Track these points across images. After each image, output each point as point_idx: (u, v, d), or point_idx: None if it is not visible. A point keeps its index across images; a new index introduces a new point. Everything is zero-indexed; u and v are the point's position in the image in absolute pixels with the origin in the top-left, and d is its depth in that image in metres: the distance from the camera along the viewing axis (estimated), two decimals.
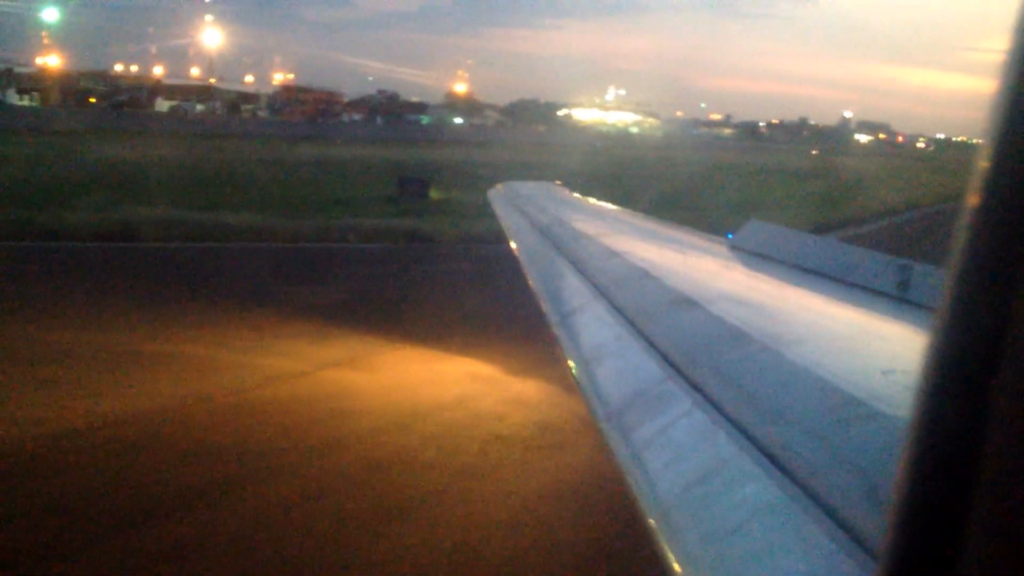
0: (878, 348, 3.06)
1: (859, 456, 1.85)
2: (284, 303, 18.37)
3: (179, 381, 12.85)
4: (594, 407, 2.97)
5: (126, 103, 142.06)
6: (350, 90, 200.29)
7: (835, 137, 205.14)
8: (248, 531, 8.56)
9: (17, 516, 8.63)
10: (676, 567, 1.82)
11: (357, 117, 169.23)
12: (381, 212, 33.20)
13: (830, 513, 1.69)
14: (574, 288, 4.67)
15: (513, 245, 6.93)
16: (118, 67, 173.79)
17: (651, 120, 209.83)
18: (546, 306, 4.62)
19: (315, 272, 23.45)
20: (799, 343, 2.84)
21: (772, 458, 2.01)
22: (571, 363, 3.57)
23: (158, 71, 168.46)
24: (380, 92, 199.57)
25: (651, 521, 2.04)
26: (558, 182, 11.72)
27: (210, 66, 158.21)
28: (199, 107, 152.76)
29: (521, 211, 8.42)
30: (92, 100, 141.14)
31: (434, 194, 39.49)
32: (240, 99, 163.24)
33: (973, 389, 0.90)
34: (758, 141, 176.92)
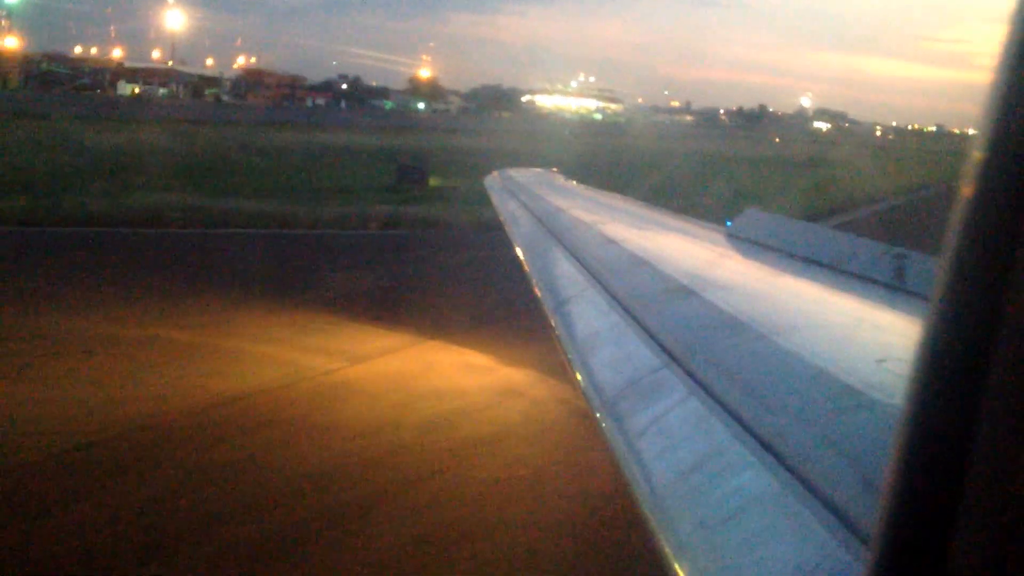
0: (873, 337, 3.05)
1: (853, 444, 1.86)
2: (337, 289, 18.94)
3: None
4: (589, 396, 2.97)
5: (88, 86, 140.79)
6: (311, 74, 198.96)
7: (794, 125, 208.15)
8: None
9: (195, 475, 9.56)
10: (670, 555, 1.84)
11: (321, 101, 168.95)
12: (387, 199, 33.54)
13: (824, 501, 1.70)
14: (570, 276, 4.68)
15: (509, 232, 6.95)
16: (77, 49, 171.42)
17: (614, 107, 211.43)
18: (542, 294, 4.65)
19: (350, 258, 24.09)
20: (794, 331, 2.85)
21: (767, 446, 2.01)
22: (566, 351, 3.59)
23: (117, 53, 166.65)
24: (341, 76, 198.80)
25: (645, 509, 2.05)
26: (554, 169, 11.66)
27: (172, 49, 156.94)
28: (161, 91, 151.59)
29: (517, 198, 8.33)
30: (56, 83, 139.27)
31: (432, 182, 39.88)
32: (203, 83, 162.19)
33: (965, 379, 0.91)
34: (718, 128, 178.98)
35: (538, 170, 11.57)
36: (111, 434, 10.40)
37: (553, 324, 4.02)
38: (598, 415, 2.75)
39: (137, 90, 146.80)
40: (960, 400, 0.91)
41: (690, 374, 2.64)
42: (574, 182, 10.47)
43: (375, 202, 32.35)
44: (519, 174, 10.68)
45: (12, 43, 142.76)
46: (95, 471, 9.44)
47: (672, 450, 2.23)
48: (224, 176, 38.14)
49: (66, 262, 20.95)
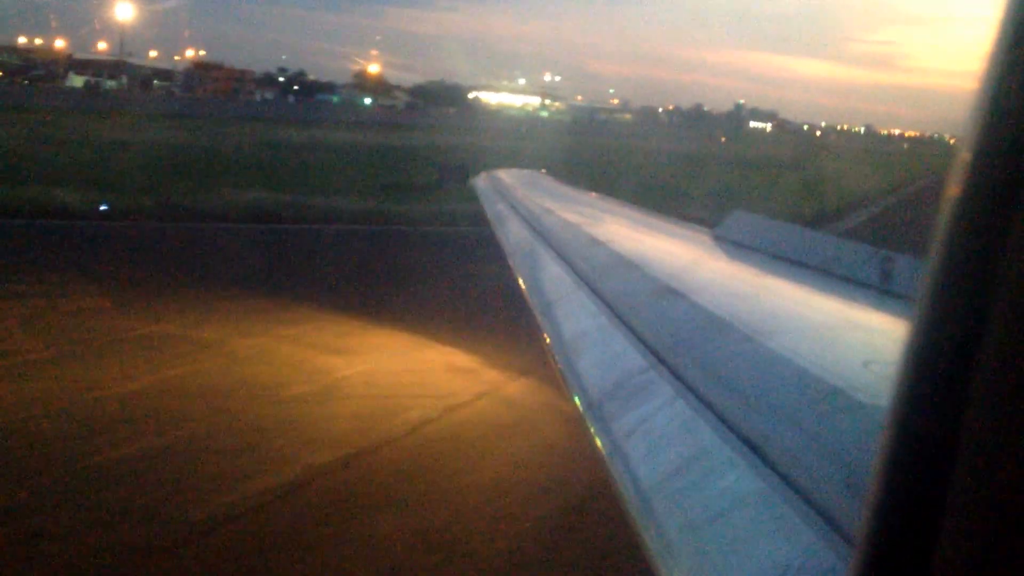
0: (860, 339, 3.06)
1: (839, 446, 1.87)
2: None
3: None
4: (576, 396, 2.99)
5: (42, 77, 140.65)
6: (252, 67, 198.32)
7: (731, 124, 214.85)
8: None
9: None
10: (656, 556, 1.85)
11: (269, 95, 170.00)
12: (446, 197, 33.46)
13: (810, 502, 1.71)
14: (557, 277, 4.71)
15: (497, 234, 6.98)
16: (21, 40, 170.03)
17: (556, 104, 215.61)
18: (530, 296, 4.68)
19: (461, 253, 23.07)
20: (781, 333, 2.86)
21: (753, 447, 2.03)
22: (553, 352, 3.61)
23: (60, 44, 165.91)
24: (280, 70, 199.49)
25: (631, 510, 2.07)
26: (543, 170, 11.73)
27: (121, 41, 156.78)
28: (110, 82, 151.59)
29: (505, 200, 8.37)
30: (9, 73, 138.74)
31: (471, 180, 40.29)
32: (153, 75, 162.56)
33: (951, 380, 0.92)
34: (660, 127, 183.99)
35: (527, 171, 11.55)
36: None
37: (540, 326, 4.05)
38: (585, 417, 2.77)
39: (80, 82, 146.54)
40: (945, 401, 0.91)
41: (677, 376, 2.66)
42: (562, 184, 10.48)
43: (434, 200, 32.91)
44: (508, 175, 10.69)
45: None
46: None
47: (658, 451, 2.26)
48: (281, 172, 39.14)
49: (260, 257, 22.31)
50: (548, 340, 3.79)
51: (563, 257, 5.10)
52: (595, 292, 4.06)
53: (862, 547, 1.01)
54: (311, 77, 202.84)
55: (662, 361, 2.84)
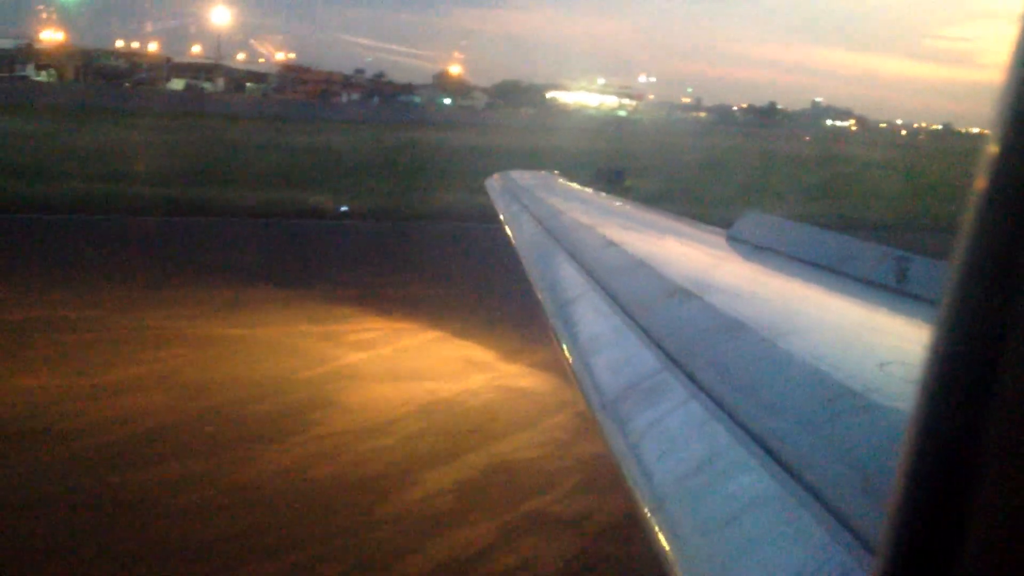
0: (875, 340, 3.06)
1: (855, 448, 1.87)
2: None
3: None
4: (589, 397, 3.00)
5: (144, 81, 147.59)
6: (330, 67, 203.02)
7: (808, 122, 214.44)
8: None
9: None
10: (670, 557, 1.85)
11: (355, 97, 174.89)
12: (619, 197, 35.27)
13: (825, 505, 1.71)
14: (570, 278, 4.70)
15: (510, 235, 7.02)
16: (119, 43, 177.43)
17: (633, 104, 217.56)
18: (542, 297, 4.70)
19: None
20: (796, 334, 2.86)
21: (767, 449, 2.03)
22: (567, 353, 3.63)
23: (153, 47, 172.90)
24: (358, 71, 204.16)
25: (645, 511, 2.07)
26: (556, 172, 11.75)
27: (218, 45, 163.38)
28: (207, 85, 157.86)
29: (519, 201, 8.40)
30: (114, 77, 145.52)
31: (628, 183, 40.65)
32: (247, 78, 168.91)
33: (976, 383, 0.90)
34: (736, 125, 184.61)
35: (540, 172, 11.62)
36: None
37: (553, 326, 4.07)
38: (598, 417, 2.78)
39: (181, 85, 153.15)
40: (970, 405, 0.90)
41: (690, 376, 2.66)
42: (574, 185, 10.48)
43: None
44: (520, 176, 10.73)
45: (56, 36, 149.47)
46: None
47: (672, 453, 2.26)
48: (432, 173, 40.32)
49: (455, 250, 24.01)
50: (560, 341, 3.81)
51: (576, 258, 5.08)
52: (608, 293, 4.05)
53: (884, 554, 0.99)
54: (390, 79, 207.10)
55: (675, 362, 2.83)
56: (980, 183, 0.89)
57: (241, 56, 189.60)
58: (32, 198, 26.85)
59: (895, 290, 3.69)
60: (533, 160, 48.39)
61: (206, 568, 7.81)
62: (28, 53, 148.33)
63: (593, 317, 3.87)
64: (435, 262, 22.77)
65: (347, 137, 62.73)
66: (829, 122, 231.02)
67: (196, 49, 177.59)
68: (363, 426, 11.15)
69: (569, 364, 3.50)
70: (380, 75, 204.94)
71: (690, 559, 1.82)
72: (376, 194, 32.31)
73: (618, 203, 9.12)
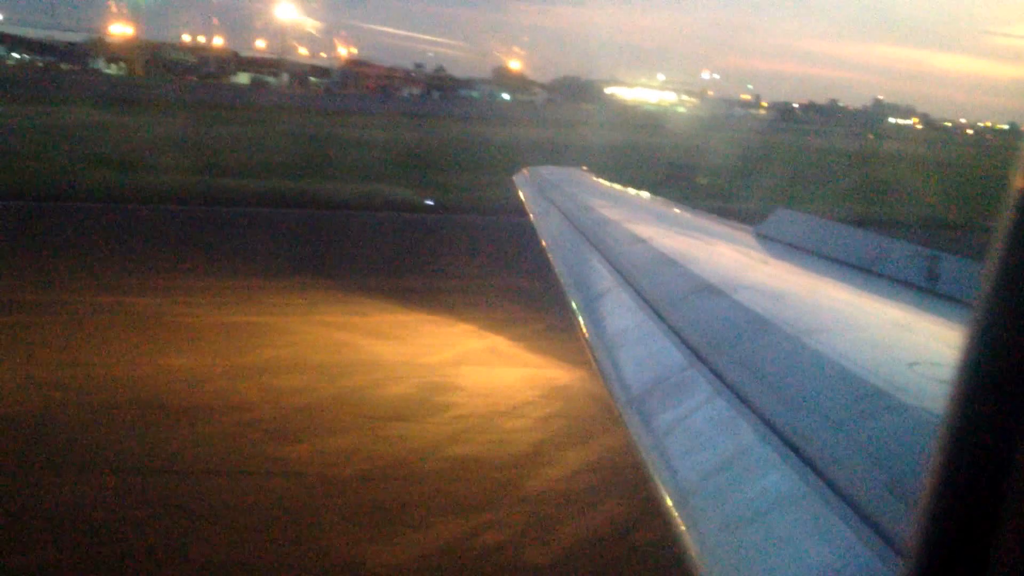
0: (904, 340, 3.03)
1: (882, 448, 1.87)
2: None
3: None
4: (615, 393, 3.01)
5: (212, 75, 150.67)
6: (389, 62, 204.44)
7: (869, 120, 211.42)
8: None
9: None
10: (696, 554, 1.86)
11: (416, 91, 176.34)
12: (693, 195, 34.19)
13: (851, 504, 1.71)
14: (598, 274, 4.72)
15: (538, 230, 6.97)
16: (184, 38, 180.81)
17: (692, 100, 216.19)
18: (570, 292, 4.68)
19: None
20: (823, 333, 2.86)
21: (794, 448, 2.03)
22: (593, 348, 3.63)
23: (218, 42, 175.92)
24: (417, 66, 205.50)
25: (670, 507, 2.07)
26: (584, 167, 11.72)
27: (283, 40, 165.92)
28: (271, 79, 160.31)
29: (547, 196, 8.39)
30: (182, 72, 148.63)
31: (701, 180, 41.10)
32: (310, 73, 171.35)
33: (1009, 385, 0.90)
34: (797, 123, 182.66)
35: (568, 168, 11.59)
36: None
37: (580, 322, 4.07)
38: (623, 412, 2.78)
39: (247, 79, 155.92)
40: (1003, 406, 0.89)
41: (717, 374, 2.66)
42: (603, 180, 10.42)
43: (687, 198, 34.45)
44: (549, 172, 10.74)
45: (124, 30, 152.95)
46: None
47: (698, 449, 2.27)
48: (500, 169, 41.22)
49: None
50: (588, 335, 3.80)
51: (603, 253, 5.08)
52: (635, 289, 4.05)
53: (912, 556, 0.99)
54: (449, 73, 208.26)
55: (702, 359, 2.83)
56: (1019, 182, 0.88)
57: (303, 51, 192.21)
58: (137, 189, 27.93)
59: (925, 289, 3.67)
60: (598, 157, 48.32)
61: (378, 531, 8.50)
62: (99, 47, 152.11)
63: (620, 313, 3.88)
64: (529, 256, 23.34)
65: (415, 132, 63.47)
66: (891, 120, 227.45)
67: (260, 44, 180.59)
68: (493, 409, 11.77)
69: (595, 359, 3.50)
70: (440, 70, 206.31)
71: (715, 555, 1.82)
72: (454, 188, 32.92)
73: (646, 199, 9.04)
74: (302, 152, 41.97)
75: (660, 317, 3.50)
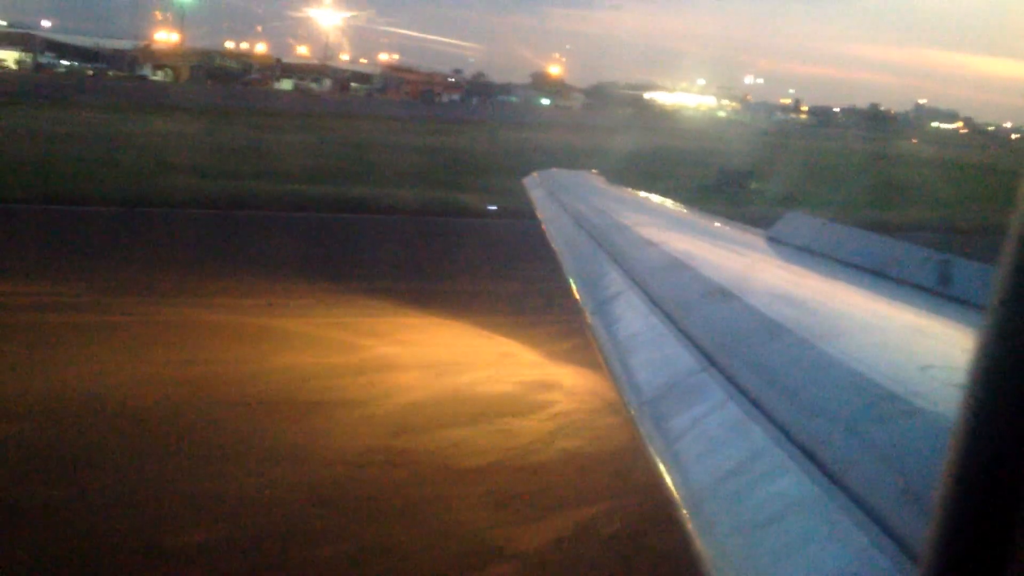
0: (917, 343, 3.02)
1: (896, 452, 1.86)
2: None
3: None
4: (627, 396, 3.01)
5: (257, 81, 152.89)
6: (431, 68, 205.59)
7: (911, 124, 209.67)
8: None
9: None
10: (708, 559, 1.86)
11: (456, 97, 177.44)
12: (733, 200, 34.28)
13: (865, 509, 1.70)
14: (609, 277, 4.70)
15: (547, 233, 7.02)
16: (228, 44, 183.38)
17: (732, 104, 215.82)
18: (580, 295, 4.71)
19: None
20: (836, 337, 2.84)
21: (807, 452, 2.03)
22: (604, 352, 3.63)
23: (260, 48, 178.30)
24: (456, 71, 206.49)
25: (683, 512, 2.07)
26: (594, 171, 11.75)
27: (324, 46, 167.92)
28: (313, 85, 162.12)
29: (557, 199, 8.40)
30: (228, 78, 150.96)
31: (753, 185, 41.58)
32: (352, 78, 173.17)
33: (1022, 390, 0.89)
34: (839, 127, 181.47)
35: (577, 172, 11.61)
36: None
37: (591, 325, 4.08)
38: (635, 417, 2.78)
39: (289, 85, 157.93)
40: (1017, 410, 0.89)
41: (729, 378, 2.66)
42: (614, 184, 10.51)
43: (734, 203, 33.22)
44: (559, 174, 10.78)
45: (176, 38, 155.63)
46: None
47: (710, 454, 2.27)
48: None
49: None
50: (599, 339, 3.81)
51: (614, 257, 5.08)
52: (647, 293, 4.05)
53: (927, 562, 0.98)
54: (488, 78, 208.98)
55: (714, 363, 2.83)
56: None
57: (344, 57, 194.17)
58: (198, 193, 28.82)
59: (938, 293, 3.65)
60: (645, 163, 48.38)
61: (509, 517, 9.10)
62: (145, 53, 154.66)
63: (631, 316, 3.88)
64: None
65: (460, 137, 64.25)
66: (934, 124, 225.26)
67: (302, 50, 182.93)
68: (591, 406, 12.34)
69: (606, 362, 3.50)
70: (479, 75, 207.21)
71: (728, 560, 1.82)
72: (511, 193, 33.31)
73: (656, 202, 8.99)
74: (359, 158, 42.93)
75: (671, 320, 3.50)
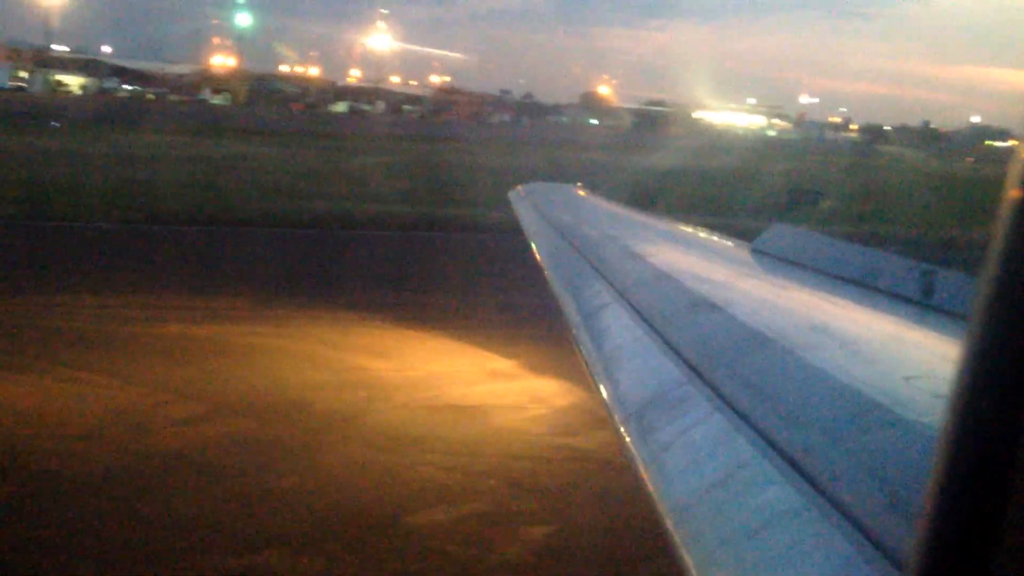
0: (901, 353, 3.04)
1: (880, 462, 1.86)
2: None
3: None
4: (612, 409, 3.01)
5: (313, 104, 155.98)
6: (478, 88, 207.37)
7: (965, 142, 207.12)
8: None
9: None
10: (694, 571, 1.85)
11: (506, 118, 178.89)
12: (823, 220, 34.08)
13: (850, 519, 1.71)
14: (593, 290, 4.71)
15: (533, 246, 7.01)
16: (282, 68, 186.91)
17: (782, 123, 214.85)
18: (565, 308, 4.74)
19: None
20: (820, 347, 2.85)
21: (792, 463, 2.03)
22: (589, 364, 3.64)
23: (314, 71, 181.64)
24: (504, 92, 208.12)
25: (668, 524, 2.07)
26: (579, 184, 11.74)
27: (377, 69, 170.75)
28: (367, 107, 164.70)
29: (541, 212, 8.44)
30: (285, 101, 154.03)
31: (825, 203, 41.54)
32: (405, 101, 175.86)
33: (1009, 398, 0.90)
34: (893, 146, 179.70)
35: (562, 185, 11.71)
36: None
37: (576, 338, 4.10)
38: (621, 429, 2.78)
39: (344, 108, 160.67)
40: (1001, 419, 0.89)
41: (714, 389, 2.66)
42: (597, 197, 10.60)
43: (811, 222, 32.41)
44: (543, 188, 10.87)
45: (234, 63, 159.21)
46: None
47: (696, 465, 2.27)
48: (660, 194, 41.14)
49: None
50: (584, 352, 3.82)
51: (599, 270, 5.09)
52: (631, 305, 4.05)
53: (915, 570, 0.99)
54: (536, 99, 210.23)
55: (699, 375, 2.83)
56: (1013, 193, 0.89)
57: (395, 79, 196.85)
58: (287, 215, 30.30)
59: (922, 304, 3.64)
60: (709, 182, 48.47)
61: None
62: (204, 78, 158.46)
63: (616, 329, 3.87)
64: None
65: (527, 158, 64.82)
66: (988, 143, 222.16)
67: (354, 73, 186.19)
68: None
69: (592, 375, 3.51)
70: (528, 96, 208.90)
71: (714, 572, 1.82)
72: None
73: (639, 216, 8.88)
74: (436, 178, 43.88)
75: (657, 333, 3.50)
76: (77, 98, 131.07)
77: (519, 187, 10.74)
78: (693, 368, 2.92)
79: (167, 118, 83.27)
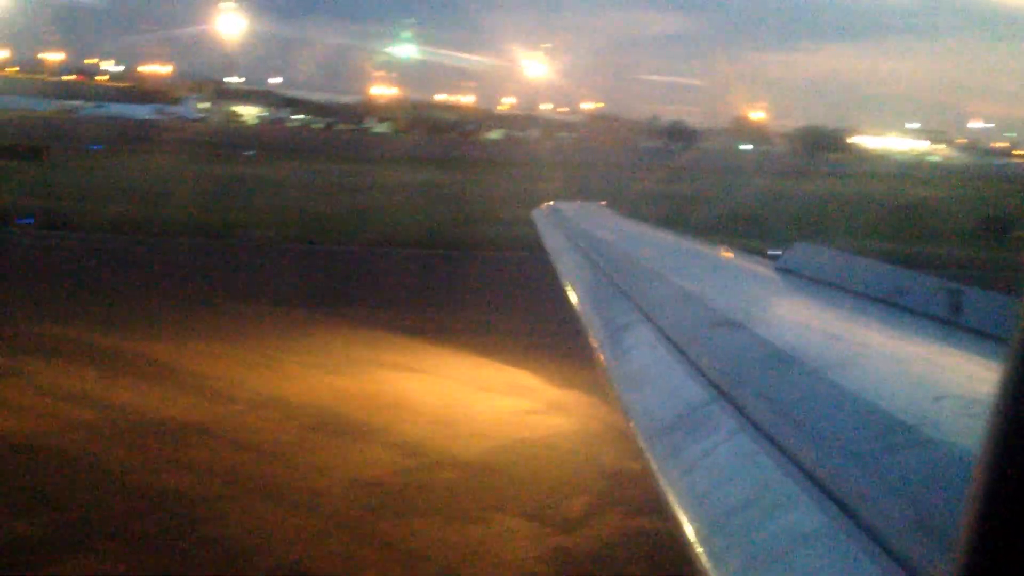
0: (928, 373, 2.96)
1: (908, 483, 1.83)
2: None
3: None
4: (637, 428, 3.00)
5: (471, 131, 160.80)
6: (627, 113, 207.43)
7: None
8: None
9: None
10: None
11: (658, 143, 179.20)
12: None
13: (878, 541, 1.68)
14: (618, 309, 4.69)
15: (556, 265, 6.98)
16: (439, 96, 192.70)
17: (945, 149, 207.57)
18: (589, 327, 4.73)
19: None
20: (846, 367, 2.83)
21: (818, 484, 2.00)
22: (613, 383, 3.62)
23: (468, 99, 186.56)
24: (654, 118, 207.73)
25: (693, 545, 2.05)
26: (603, 203, 11.72)
27: (532, 97, 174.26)
28: (521, 134, 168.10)
29: (564, 231, 8.45)
30: (445, 129, 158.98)
31: (1020, 233, 41.69)
32: (558, 127, 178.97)
33: None
34: None
35: (586, 203, 11.73)
36: None
37: (600, 358, 4.09)
38: (646, 449, 2.76)
39: (498, 135, 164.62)
40: None
41: (739, 409, 2.64)
42: (621, 216, 10.52)
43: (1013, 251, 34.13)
44: (567, 207, 10.85)
45: (395, 92, 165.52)
46: None
47: (721, 486, 2.25)
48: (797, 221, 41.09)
49: None
50: (608, 371, 3.82)
51: (622, 289, 5.09)
52: (656, 325, 4.04)
53: None
54: (685, 124, 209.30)
55: (723, 394, 2.81)
56: None
57: (547, 107, 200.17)
58: (506, 237, 31.65)
59: (949, 323, 3.55)
60: (890, 210, 47.41)
61: None
62: (368, 107, 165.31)
63: (641, 348, 3.85)
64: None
65: (684, 184, 65.46)
66: None
67: (507, 101, 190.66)
68: None
69: (616, 395, 3.50)
70: (678, 122, 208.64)
71: None
72: (782, 239, 34.12)
73: (663, 235, 8.87)
74: (618, 201, 44.68)
75: (681, 352, 3.47)
76: (253, 127, 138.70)
77: (543, 205, 10.98)
78: (718, 388, 2.90)
79: (344, 147, 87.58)
